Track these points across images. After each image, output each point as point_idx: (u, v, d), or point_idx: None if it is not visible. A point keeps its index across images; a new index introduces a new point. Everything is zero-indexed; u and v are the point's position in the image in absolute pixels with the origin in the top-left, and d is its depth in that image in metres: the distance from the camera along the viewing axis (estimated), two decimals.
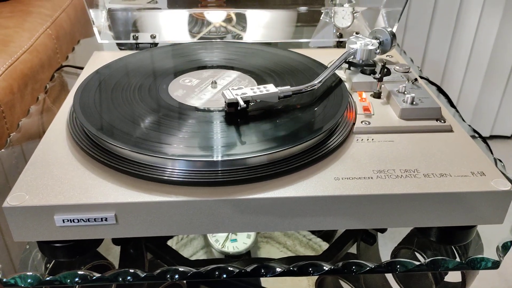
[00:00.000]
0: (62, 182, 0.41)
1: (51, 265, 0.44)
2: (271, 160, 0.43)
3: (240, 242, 0.56)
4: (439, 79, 1.46)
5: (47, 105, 0.66)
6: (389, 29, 0.61)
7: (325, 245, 0.58)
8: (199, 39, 0.78)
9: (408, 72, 0.59)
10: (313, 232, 0.60)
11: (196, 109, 0.50)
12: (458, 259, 0.44)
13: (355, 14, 0.79)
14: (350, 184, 0.42)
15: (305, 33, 0.82)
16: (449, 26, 1.37)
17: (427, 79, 0.71)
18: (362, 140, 0.48)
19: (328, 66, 0.58)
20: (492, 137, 1.56)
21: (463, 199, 0.41)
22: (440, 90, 0.69)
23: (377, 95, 0.55)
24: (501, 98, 1.48)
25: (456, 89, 1.47)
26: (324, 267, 0.43)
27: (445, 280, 0.56)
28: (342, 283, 0.65)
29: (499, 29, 1.35)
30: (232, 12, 0.80)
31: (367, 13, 0.80)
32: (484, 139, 0.57)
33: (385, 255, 0.47)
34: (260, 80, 0.57)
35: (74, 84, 0.59)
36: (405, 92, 0.53)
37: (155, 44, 0.75)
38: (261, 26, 0.82)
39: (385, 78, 0.57)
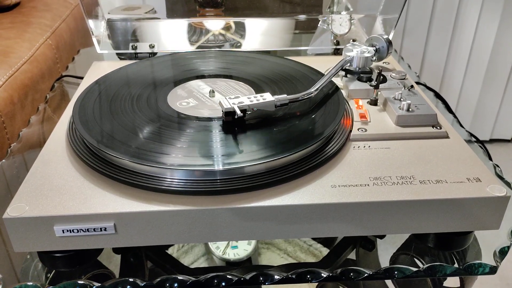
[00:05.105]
0: (62, 192, 0.42)
1: (51, 274, 0.44)
2: (268, 169, 0.44)
3: (241, 249, 0.57)
4: (438, 83, 1.46)
5: (47, 115, 0.66)
6: (385, 36, 0.61)
7: (325, 251, 0.59)
8: (197, 47, 0.79)
9: (404, 79, 0.59)
10: (313, 238, 0.60)
11: (194, 118, 0.51)
12: (456, 265, 0.45)
13: (352, 21, 0.80)
14: (347, 191, 0.42)
15: (303, 40, 0.83)
16: (448, 30, 1.37)
17: (425, 85, 0.71)
18: (358, 147, 0.48)
19: (325, 73, 0.58)
20: (492, 140, 1.57)
21: (459, 205, 0.42)
22: (437, 95, 0.70)
23: (374, 102, 0.55)
24: (500, 102, 1.48)
25: (455, 93, 1.47)
26: (323, 274, 0.43)
27: (444, 285, 0.56)
28: None
29: (497, 33, 1.36)
30: (231, 21, 0.81)
31: (364, 20, 0.81)
32: (482, 144, 0.58)
33: (386, 260, 0.47)
34: (258, 89, 0.58)
35: (74, 94, 0.59)
36: (401, 99, 0.53)
37: (154, 54, 0.76)
38: (260, 34, 0.83)
39: (381, 85, 0.57)
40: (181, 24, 0.81)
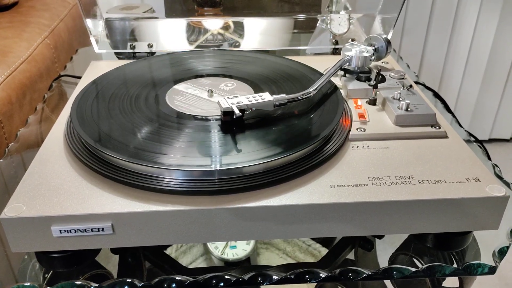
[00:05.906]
0: (59, 192, 0.42)
1: (49, 275, 0.44)
2: (267, 169, 0.43)
3: (239, 249, 0.56)
4: (437, 83, 1.46)
5: (45, 114, 0.66)
6: (384, 36, 0.61)
7: (324, 251, 0.58)
8: (196, 47, 0.79)
9: (403, 78, 0.59)
10: (312, 238, 0.60)
11: (192, 118, 0.51)
12: (455, 265, 0.44)
13: (351, 21, 0.80)
14: (346, 191, 0.42)
15: (302, 40, 0.83)
16: (447, 30, 1.37)
17: (424, 85, 0.71)
18: (357, 147, 0.48)
19: (324, 73, 0.58)
20: (491, 140, 1.57)
21: (458, 205, 0.42)
22: (436, 95, 0.70)
23: (373, 102, 0.55)
24: (499, 101, 1.48)
25: (454, 93, 1.47)
26: (321, 274, 0.43)
27: (443, 285, 0.56)
28: None
29: (496, 32, 1.36)
30: (229, 20, 0.81)
31: (363, 19, 0.80)
32: (481, 144, 0.58)
33: (385, 260, 0.47)
34: (256, 88, 0.57)
35: (72, 94, 0.59)
36: (400, 99, 0.53)
37: (152, 53, 0.76)
38: (258, 33, 0.82)
39: (380, 85, 0.57)
40: (180, 24, 0.81)
